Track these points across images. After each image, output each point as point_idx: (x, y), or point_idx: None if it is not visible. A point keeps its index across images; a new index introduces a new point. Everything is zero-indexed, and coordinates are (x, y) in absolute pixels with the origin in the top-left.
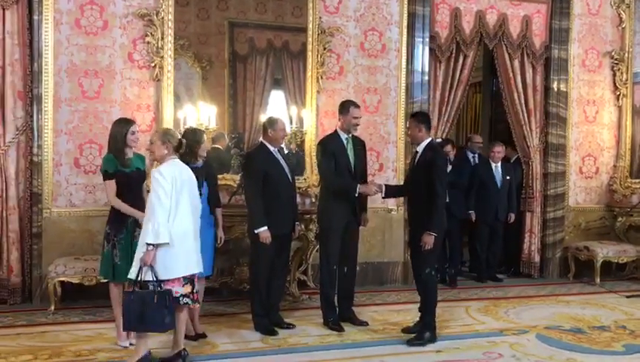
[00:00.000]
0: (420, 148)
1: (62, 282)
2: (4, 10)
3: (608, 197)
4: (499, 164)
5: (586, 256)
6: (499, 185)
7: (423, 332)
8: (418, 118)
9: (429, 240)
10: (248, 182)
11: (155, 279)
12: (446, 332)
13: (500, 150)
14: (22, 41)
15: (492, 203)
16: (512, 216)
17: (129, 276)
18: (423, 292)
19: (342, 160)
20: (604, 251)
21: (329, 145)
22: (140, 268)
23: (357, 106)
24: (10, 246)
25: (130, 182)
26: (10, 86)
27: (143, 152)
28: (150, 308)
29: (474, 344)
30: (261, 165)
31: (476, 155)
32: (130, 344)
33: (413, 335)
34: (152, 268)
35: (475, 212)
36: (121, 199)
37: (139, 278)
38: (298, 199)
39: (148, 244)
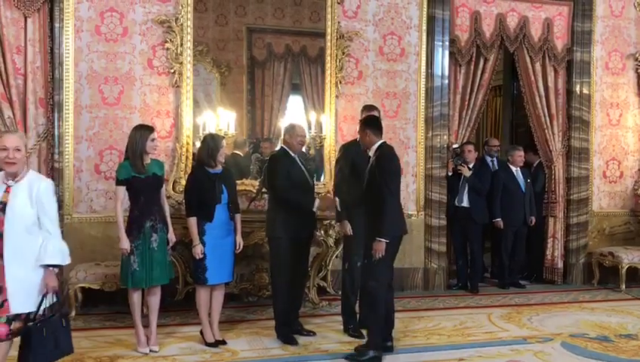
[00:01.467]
0: (372, 153)
1: (83, 288)
2: (25, 18)
3: (633, 201)
4: (519, 168)
5: (611, 261)
6: (523, 189)
7: (368, 348)
8: (363, 123)
9: (379, 247)
10: (273, 182)
11: (57, 300)
12: (468, 339)
13: (521, 154)
14: (43, 49)
15: (519, 208)
16: (533, 220)
17: (26, 310)
18: (369, 305)
19: (361, 166)
20: (630, 257)
21: (344, 152)
22: (44, 295)
23: (371, 110)
24: None
25: (145, 188)
26: (32, 93)
27: (162, 158)
28: (63, 333)
29: (497, 352)
30: (286, 166)
31: (495, 159)
32: (151, 351)
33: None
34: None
35: (502, 218)
36: (134, 204)
37: (43, 306)
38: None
39: (54, 266)
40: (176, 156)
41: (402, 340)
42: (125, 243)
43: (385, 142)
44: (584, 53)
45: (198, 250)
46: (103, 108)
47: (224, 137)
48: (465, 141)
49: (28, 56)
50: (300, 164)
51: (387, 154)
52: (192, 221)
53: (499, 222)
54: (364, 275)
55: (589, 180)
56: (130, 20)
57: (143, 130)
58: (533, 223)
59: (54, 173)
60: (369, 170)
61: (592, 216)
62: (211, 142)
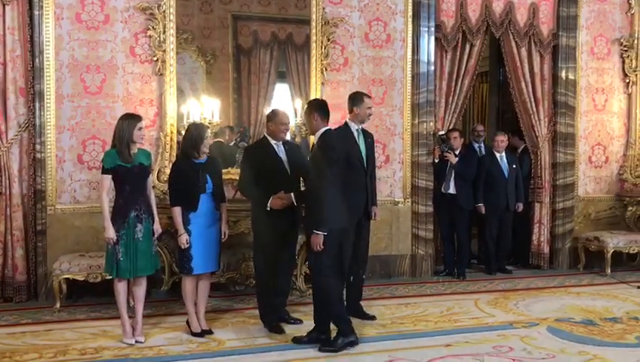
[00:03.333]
0: (315, 139)
1: (67, 279)
2: (4, 5)
3: (618, 186)
4: (504, 154)
5: (597, 246)
6: (506, 175)
7: (337, 338)
8: (310, 106)
9: (315, 240)
10: (243, 174)
11: None
12: (455, 325)
13: (503, 139)
14: (23, 37)
15: (501, 193)
16: (520, 206)
17: None
18: (323, 299)
19: (353, 151)
20: (615, 241)
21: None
22: None
23: (369, 97)
24: (14, 243)
25: (131, 177)
26: (12, 82)
27: (146, 148)
28: None
29: (484, 337)
30: (256, 159)
31: (482, 145)
32: (137, 341)
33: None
34: None
35: (485, 203)
36: (119, 193)
37: None
38: None
39: None
40: (161, 145)
41: (389, 327)
42: (111, 233)
43: (330, 129)
44: (570, 38)
45: (183, 240)
46: (85, 98)
47: (209, 127)
48: (451, 128)
49: (7, 45)
50: (280, 152)
51: (329, 142)
52: (177, 210)
53: (481, 207)
54: (310, 269)
55: (574, 165)
56: (112, 7)
57: (131, 119)
58: (520, 209)
59: (36, 163)
60: (310, 157)
61: (578, 201)
62: (195, 132)
